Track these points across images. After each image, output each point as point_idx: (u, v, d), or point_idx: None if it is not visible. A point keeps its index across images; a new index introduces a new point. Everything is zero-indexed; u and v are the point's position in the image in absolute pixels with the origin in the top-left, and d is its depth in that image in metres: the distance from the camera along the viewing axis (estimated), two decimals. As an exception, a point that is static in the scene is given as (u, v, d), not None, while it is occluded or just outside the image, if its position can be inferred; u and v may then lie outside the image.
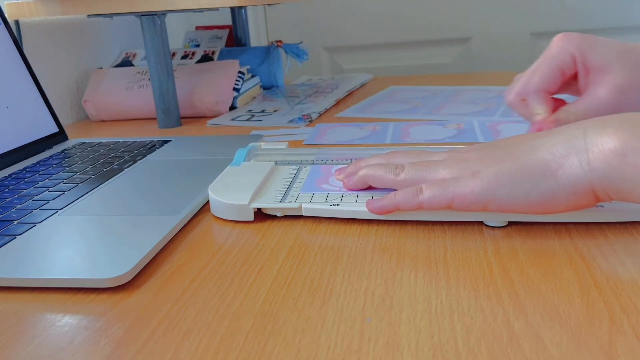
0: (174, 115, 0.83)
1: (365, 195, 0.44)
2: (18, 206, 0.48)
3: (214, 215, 0.47)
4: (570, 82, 0.51)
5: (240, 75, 0.93)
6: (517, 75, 0.54)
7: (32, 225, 0.44)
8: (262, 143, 0.59)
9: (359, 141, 0.63)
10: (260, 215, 0.46)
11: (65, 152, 0.66)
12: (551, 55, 0.50)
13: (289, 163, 0.53)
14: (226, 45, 1.17)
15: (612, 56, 0.48)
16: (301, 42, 1.12)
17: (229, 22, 1.23)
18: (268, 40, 1.57)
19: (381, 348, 0.28)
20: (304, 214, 0.44)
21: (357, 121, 0.77)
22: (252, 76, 1.01)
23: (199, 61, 1.00)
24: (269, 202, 0.45)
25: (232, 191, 0.46)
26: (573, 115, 0.48)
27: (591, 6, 1.42)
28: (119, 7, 0.76)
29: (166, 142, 0.69)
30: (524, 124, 0.56)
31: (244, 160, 0.53)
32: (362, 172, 0.45)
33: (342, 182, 0.46)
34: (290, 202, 0.45)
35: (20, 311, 0.34)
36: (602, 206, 0.39)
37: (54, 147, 0.69)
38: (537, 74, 0.50)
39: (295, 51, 1.09)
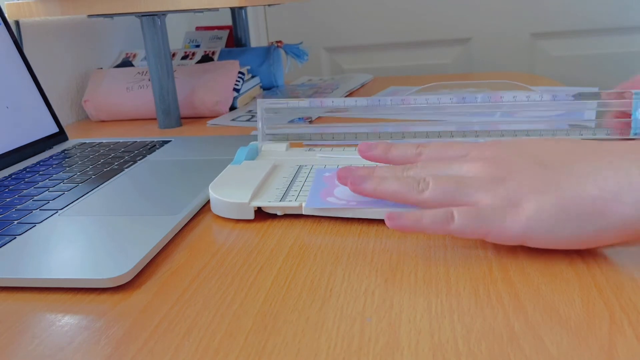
0: (174, 115, 0.83)
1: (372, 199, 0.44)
2: (18, 206, 0.48)
3: (214, 215, 0.47)
4: None
5: (240, 75, 0.93)
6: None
7: (32, 225, 0.44)
8: (263, 143, 0.59)
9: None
10: (261, 214, 0.46)
11: (65, 152, 0.67)
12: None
13: (289, 162, 0.54)
14: (226, 46, 1.17)
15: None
16: (301, 43, 1.12)
17: (229, 22, 1.23)
18: (268, 40, 1.57)
19: (381, 348, 0.28)
20: (304, 213, 0.44)
21: (358, 121, 0.76)
22: (252, 76, 1.01)
23: (199, 61, 1.00)
24: (269, 201, 0.45)
25: (233, 190, 0.46)
26: None
27: (591, 6, 1.42)
28: (119, 7, 0.76)
29: (166, 142, 0.69)
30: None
31: (245, 159, 0.54)
32: (375, 187, 0.40)
33: (349, 189, 0.41)
34: (290, 200, 0.45)
35: (20, 311, 0.34)
36: None
37: (54, 147, 0.69)
38: None
39: (296, 51, 1.09)
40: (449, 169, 0.39)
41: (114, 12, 0.77)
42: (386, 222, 0.37)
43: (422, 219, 0.36)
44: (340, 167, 0.52)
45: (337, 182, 0.47)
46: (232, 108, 0.92)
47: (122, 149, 0.66)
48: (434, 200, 0.37)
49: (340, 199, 0.44)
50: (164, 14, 0.79)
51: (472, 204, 0.36)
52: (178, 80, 0.87)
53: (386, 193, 0.39)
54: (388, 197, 0.39)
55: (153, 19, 0.79)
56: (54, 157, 0.64)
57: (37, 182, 0.55)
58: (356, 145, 0.59)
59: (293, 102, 0.58)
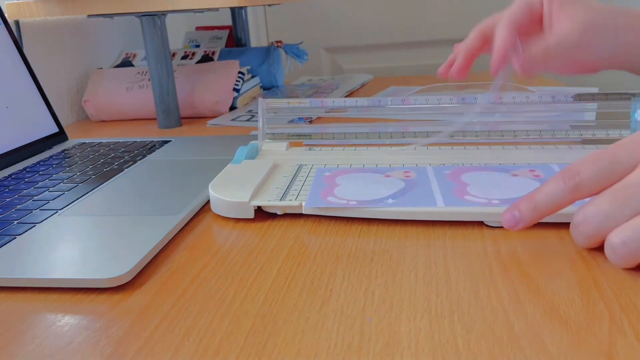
0: (174, 115, 0.83)
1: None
2: (18, 206, 0.48)
3: (214, 215, 0.47)
4: (536, 27, 0.51)
5: (240, 75, 0.93)
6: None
7: (32, 225, 0.44)
8: (263, 142, 0.59)
9: (394, 201, 0.43)
10: (261, 213, 0.46)
11: (65, 152, 0.66)
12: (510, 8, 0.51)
13: (289, 162, 0.54)
14: (226, 46, 1.17)
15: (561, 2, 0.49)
16: (301, 43, 1.12)
17: (229, 22, 1.23)
18: (268, 40, 1.57)
19: (381, 348, 0.28)
20: (304, 212, 0.44)
21: (358, 121, 0.76)
22: (252, 76, 1.01)
23: (199, 61, 1.00)
24: (269, 200, 0.45)
25: (233, 189, 0.46)
26: (539, 51, 0.49)
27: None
28: (119, 7, 0.76)
29: (166, 142, 0.69)
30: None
31: (245, 158, 0.54)
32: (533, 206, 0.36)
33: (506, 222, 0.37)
34: (290, 200, 0.45)
35: (20, 311, 0.34)
36: None
37: (54, 147, 0.69)
38: (507, 11, 0.51)
39: (295, 51, 1.09)
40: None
41: (114, 12, 0.77)
42: (506, 226, 0.37)
43: (535, 196, 0.35)
44: (339, 166, 0.52)
45: (337, 181, 0.47)
46: (232, 108, 0.92)
47: (122, 149, 0.66)
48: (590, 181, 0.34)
49: (340, 198, 0.44)
50: (164, 14, 0.79)
51: None
52: (178, 80, 0.87)
53: (543, 202, 0.36)
54: (548, 205, 0.36)
55: (153, 19, 0.78)
56: (54, 157, 0.64)
57: (37, 182, 0.55)
58: (356, 145, 0.59)
59: (294, 102, 0.58)
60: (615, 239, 0.32)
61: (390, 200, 0.43)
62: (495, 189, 0.41)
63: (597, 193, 0.34)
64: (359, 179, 0.48)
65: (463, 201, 0.42)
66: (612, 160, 0.34)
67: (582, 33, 0.48)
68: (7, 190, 0.53)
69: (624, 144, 0.34)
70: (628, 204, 0.32)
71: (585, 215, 0.34)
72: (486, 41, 0.54)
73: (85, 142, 0.71)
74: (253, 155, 0.56)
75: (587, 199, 0.35)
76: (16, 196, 0.51)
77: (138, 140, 0.70)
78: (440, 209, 0.41)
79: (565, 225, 0.40)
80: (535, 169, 0.47)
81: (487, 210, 0.41)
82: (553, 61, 0.50)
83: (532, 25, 0.51)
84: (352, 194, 0.45)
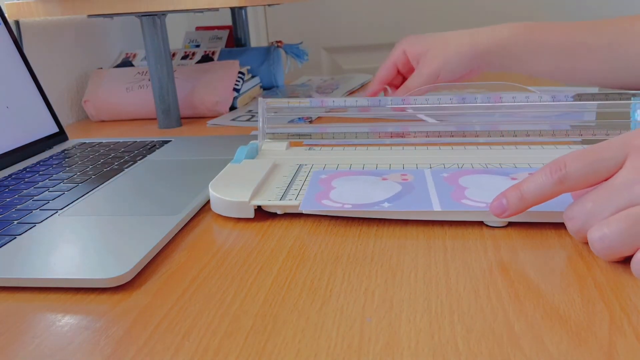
0: (174, 115, 0.83)
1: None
2: (18, 206, 0.48)
3: (214, 215, 0.47)
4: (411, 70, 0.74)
5: (240, 75, 0.93)
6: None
7: (32, 225, 0.44)
8: (263, 142, 0.59)
9: (390, 205, 0.43)
10: (261, 213, 0.46)
11: (65, 152, 0.67)
12: (391, 54, 0.75)
13: (289, 161, 0.54)
14: (226, 46, 1.17)
15: (428, 46, 0.71)
16: (301, 43, 1.12)
17: (229, 22, 1.23)
18: (268, 40, 1.57)
19: (381, 348, 0.28)
20: (299, 209, 0.44)
21: (358, 121, 0.76)
22: (252, 76, 1.01)
23: (199, 61, 1.00)
24: (269, 200, 0.45)
25: (233, 188, 0.46)
26: (407, 88, 0.72)
27: (591, 7, 1.42)
28: (119, 7, 0.76)
29: (166, 142, 0.69)
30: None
31: (245, 158, 0.54)
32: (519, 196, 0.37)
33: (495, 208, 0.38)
34: (290, 199, 0.45)
35: (20, 311, 0.34)
36: None
37: (54, 147, 0.69)
38: (380, 69, 0.76)
39: (295, 52, 1.09)
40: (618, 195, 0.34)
41: (114, 12, 0.77)
42: (493, 213, 0.38)
43: (522, 186, 0.37)
44: (338, 168, 0.52)
45: (333, 184, 0.47)
46: (232, 108, 0.92)
47: (122, 149, 0.66)
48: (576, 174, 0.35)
49: (335, 201, 0.43)
50: (164, 14, 0.79)
51: None
52: (178, 80, 0.87)
53: (530, 192, 0.37)
54: (534, 195, 0.37)
55: (153, 19, 0.78)
56: (54, 157, 0.64)
57: (37, 182, 0.55)
58: (356, 145, 0.59)
59: (294, 102, 0.58)
60: (593, 235, 0.34)
61: (386, 204, 0.42)
62: (493, 193, 0.41)
63: (583, 187, 0.36)
64: (355, 182, 0.47)
65: (460, 204, 0.42)
66: (598, 157, 0.35)
67: (437, 71, 0.71)
68: (7, 190, 0.53)
69: (611, 142, 0.36)
70: (610, 202, 0.34)
71: (572, 212, 0.36)
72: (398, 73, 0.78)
73: (85, 142, 0.71)
74: (253, 155, 0.56)
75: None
76: (16, 196, 0.51)
77: (138, 140, 0.70)
78: (436, 211, 0.41)
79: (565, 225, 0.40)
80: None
81: (484, 212, 0.41)
82: (412, 88, 0.72)
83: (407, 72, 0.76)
84: (348, 197, 0.44)
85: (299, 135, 0.59)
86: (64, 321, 0.32)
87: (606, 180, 0.35)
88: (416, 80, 0.71)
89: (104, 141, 0.71)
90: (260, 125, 0.59)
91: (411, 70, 0.74)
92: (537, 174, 0.36)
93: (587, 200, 0.35)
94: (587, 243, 0.36)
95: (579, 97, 0.54)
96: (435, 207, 0.41)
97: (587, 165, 0.35)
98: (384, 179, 0.48)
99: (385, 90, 0.78)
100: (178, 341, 0.30)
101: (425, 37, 0.73)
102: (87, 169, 0.59)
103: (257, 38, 1.55)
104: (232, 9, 1.17)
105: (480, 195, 0.43)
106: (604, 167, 0.35)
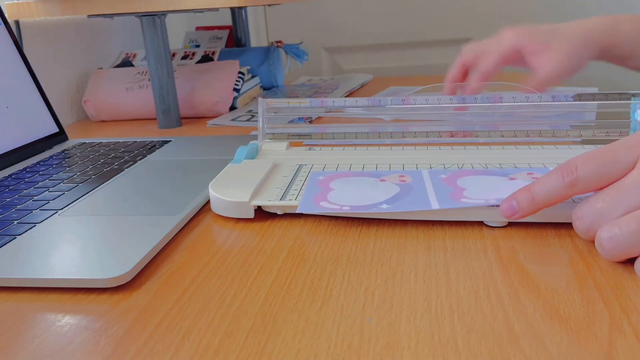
0: (174, 115, 0.83)
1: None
2: (18, 206, 0.48)
3: (214, 215, 0.47)
4: (518, 61, 0.67)
5: (240, 75, 0.93)
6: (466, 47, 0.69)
7: (32, 225, 0.44)
8: (263, 142, 0.59)
9: (389, 206, 0.42)
10: (261, 213, 0.46)
11: (66, 152, 0.67)
12: (500, 45, 0.66)
13: (289, 162, 0.54)
14: (226, 46, 1.17)
15: (551, 36, 0.65)
16: (301, 43, 1.12)
17: (229, 22, 1.23)
18: (268, 40, 1.57)
19: (381, 348, 0.28)
20: (297, 211, 0.44)
21: (358, 121, 0.76)
22: (252, 76, 1.01)
23: (199, 61, 1.00)
24: (269, 200, 0.45)
25: (233, 188, 0.46)
26: (536, 81, 0.64)
27: (590, 7, 1.42)
28: (119, 7, 0.76)
29: (166, 142, 0.69)
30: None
31: (245, 158, 0.54)
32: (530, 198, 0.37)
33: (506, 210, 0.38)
34: (290, 200, 0.45)
35: (20, 311, 0.34)
36: None
37: (54, 147, 0.69)
38: (488, 60, 0.66)
39: (295, 52, 1.09)
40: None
41: (114, 12, 0.77)
42: (503, 214, 0.38)
43: (534, 188, 0.37)
44: (339, 167, 0.52)
45: (331, 185, 0.47)
46: (232, 108, 0.92)
47: (122, 149, 0.66)
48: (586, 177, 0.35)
49: (333, 203, 0.43)
50: (164, 14, 0.79)
51: None
52: (178, 80, 0.87)
53: (540, 195, 0.37)
54: (545, 198, 0.37)
55: (153, 19, 0.79)
56: (54, 157, 0.64)
57: (37, 182, 0.55)
58: (356, 145, 0.59)
59: (294, 102, 0.58)
60: (603, 234, 0.33)
61: (384, 206, 0.42)
62: (491, 192, 0.41)
63: (594, 190, 0.36)
64: (354, 184, 0.47)
65: (459, 202, 0.41)
66: (610, 159, 0.35)
67: (568, 60, 0.64)
68: (7, 190, 0.53)
69: (623, 143, 0.35)
70: (620, 203, 0.34)
71: (581, 211, 0.36)
72: (465, 73, 0.70)
73: (85, 142, 0.71)
74: (253, 155, 0.56)
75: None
76: (16, 196, 0.51)
77: (138, 140, 0.70)
78: (435, 210, 0.41)
79: (565, 225, 0.40)
80: (533, 172, 0.46)
81: (483, 209, 0.41)
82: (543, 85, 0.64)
83: (512, 63, 0.67)
84: (346, 199, 0.44)
85: (299, 135, 0.59)
86: (64, 321, 0.32)
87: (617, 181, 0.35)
88: (543, 72, 0.65)
89: (104, 141, 0.71)
90: (260, 125, 0.59)
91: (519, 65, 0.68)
92: (548, 176, 0.36)
93: (597, 199, 0.35)
94: (593, 242, 0.36)
95: (579, 97, 0.54)
96: (434, 206, 0.41)
97: (599, 168, 0.35)
98: (382, 181, 0.47)
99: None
100: (178, 341, 0.30)
101: (538, 30, 0.67)
102: (87, 169, 0.59)
103: (257, 38, 1.55)
104: (232, 9, 1.17)
105: (478, 194, 0.43)
106: (615, 169, 0.35)
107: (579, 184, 0.35)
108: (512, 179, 0.45)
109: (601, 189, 0.35)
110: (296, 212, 0.43)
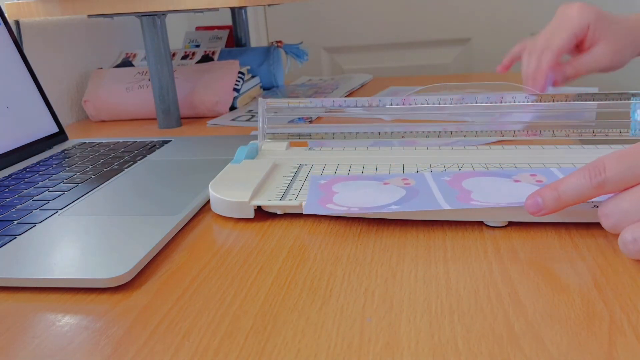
0: (174, 115, 0.83)
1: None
2: (18, 206, 0.48)
3: (214, 215, 0.47)
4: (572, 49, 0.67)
5: (240, 75, 0.93)
6: (525, 40, 0.69)
7: (32, 225, 0.44)
8: (263, 142, 0.59)
9: (397, 207, 0.42)
10: (261, 213, 0.46)
11: (65, 152, 0.67)
12: (570, 22, 0.65)
13: (289, 162, 0.54)
14: (226, 46, 1.17)
15: (610, 25, 0.65)
16: (301, 43, 1.12)
17: (229, 22, 1.23)
18: (268, 40, 1.57)
19: (381, 348, 0.28)
20: (304, 212, 0.44)
21: (358, 121, 0.76)
22: (252, 76, 1.01)
23: (199, 61, 1.00)
24: (269, 200, 0.45)
25: (233, 188, 0.46)
26: (574, 69, 0.66)
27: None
28: (119, 7, 0.76)
29: (166, 142, 0.69)
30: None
31: (245, 158, 0.54)
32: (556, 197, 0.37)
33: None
34: (290, 200, 0.45)
35: (20, 311, 0.34)
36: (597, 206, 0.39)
37: (54, 147, 0.69)
38: (557, 37, 0.65)
39: (295, 51, 1.09)
40: None
41: (114, 12, 0.77)
42: (528, 210, 0.38)
43: (559, 187, 0.36)
44: (338, 170, 0.52)
45: (334, 189, 0.46)
46: (232, 108, 0.92)
47: (122, 149, 0.66)
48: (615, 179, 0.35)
49: (340, 205, 0.43)
50: (164, 14, 0.79)
51: None
52: (178, 80, 0.87)
53: (567, 194, 0.37)
54: (571, 196, 0.37)
55: (153, 19, 0.79)
56: (54, 157, 0.64)
57: (37, 182, 0.55)
58: (355, 145, 0.59)
59: (294, 102, 0.58)
60: (627, 236, 0.33)
61: (394, 207, 0.42)
62: (498, 195, 0.41)
63: (621, 190, 0.35)
64: (358, 187, 0.46)
65: (469, 204, 0.41)
66: (638, 160, 0.35)
67: (612, 56, 0.65)
68: (7, 190, 0.53)
69: None
70: None
71: (607, 208, 0.35)
72: (514, 59, 0.72)
73: (85, 142, 0.71)
74: (253, 155, 0.56)
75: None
76: (16, 196, 0.51)
77: (138, 140, 0.70)
78: (447, 209, 0.40)
79: (565, 225, 0.40)
80: (536, 174, 0.46)
81: (494, 209, 0.40)
82: (583, 72, 0.66)
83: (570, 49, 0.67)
84: (353, 201, 0.43)
85: (299, 135, 0.59)
86: (64, 321, 0.32)
87: None
88: (589, 59, 0.65)
89: (104, 141, 0.71)
90: (260, 125, 0.59)
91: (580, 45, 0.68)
92: (576, 175, 0.36)
93: (623, 199, 0.35)
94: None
95: (579, 97, 0.54)
96: (444, 207, 0.41)
97: (627, 169, 0.34)
98: (385, 184, 0.47)
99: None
100: (178, 341, 0.30)
101: (605, 15, 0.66)
102: (87, 169, 0.59)
103: (257, 38, 1.55)
104: (232, 9, 1.17)
105: (487, 197, 0.42)
106: None
107: (607, 185, 0.35)
108: (516, 181, 0.45)
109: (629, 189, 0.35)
110: (303, 212, 0.43)
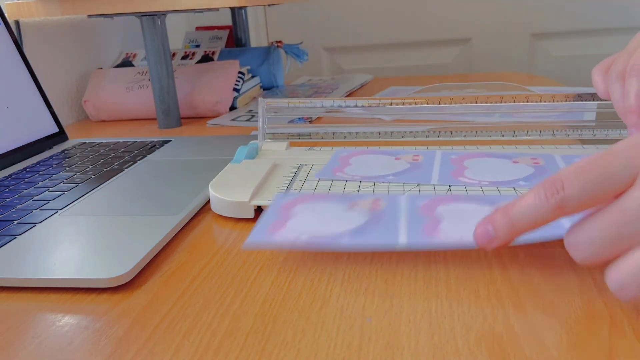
0: (174, 115, 0.83)
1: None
2: (18, 206, 0.48)
3: (214, 215, 0.47)
4: None
5: (240, 75, 0.93)
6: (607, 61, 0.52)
7: (32, 225, 0.44)
8: (263, 142, 0.59)
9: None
10: (261, 213, 0.46)
11: (65, 152, 0.67)
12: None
13: (289, 162, 0.54)
14: (226, 46, 1.17)
15: None
16: (301, 43, 1.12)
17: (229, 22, 1.23)
18: (268, 40, 1.57)
19: (381, 348, 0.28)
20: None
21: (358, 121, 0.76)
22: (252, 76, 1.01)
23: (199, 61, 1.00)
24: (269, 200, 0.45)
25: (233, 188, 0.46)
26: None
27: (591, 6, 1.42)
28: (119, 7, 0.76)
29: (166, 142, 0.69)
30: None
31: (245, 158, 0.54)
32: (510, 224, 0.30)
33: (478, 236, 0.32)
34: (290, 202, 0.45)
35: (20, 311, 0.34)
36: None
37: (54, 147, 0.69)
38: None
39: (295, 52, 1.09)
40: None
41: (114, 12, 0.77)
42: (478, 243, 0.32)
43: (513, 209, 0.30)
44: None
45: (294, 211, 0.40)
46: (232, 108, 0.92)
47: (122, 149, 0.66)
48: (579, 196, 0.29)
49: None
50: (164, 14, 0.79)
51: None
52: (178, 80, 0.87)
53: (521, 220, 0.30)
54: (527, 223, 0.30)
55: (153, 19, 0.79)
56: (54, 157, 0.64)
57: (37, 182, 0.55)
58: (356, 144, 0.59)
59: (294, 102, 0.58)
60: (613, 283, 0.28)
61: (345, 240, 0.36)
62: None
63: (586, 209, 0.29)
64: (319, 211, 0.40)
65: (428, 241, 0.35)
66: (602, 174, 0.28)
67: None
68: (7, 190, 0.53)
69: (617, 150, 0.29)
70: (622, 232, 0.28)
71: (576, 239, 0.29)
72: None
73: (85, 142, 0.71)
74: (253, 155, 0.56)
75: None
76: (16, 196, 0.51)
77: (138, 140, 0.70)
78: (401, 245, 0.35)
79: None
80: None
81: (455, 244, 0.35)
82: None
83: None
84: (307, 227, 0.38)
85: (299, 135, 0.59)
86: (64, 321, 0.32)
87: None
88: None
89: (104, 141, 0.71)
90: (260, 125, 0.59)
91: None
92: (530, 195, 0.30)
93: (593, 227, 0.29)
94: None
95: (579, 97, 0.54)
96: (400, 244, 0.35)
97: (590, 185, 0.28)
98: (353, 205, 0.41)
99: None
100: (178, 341, 0.30)
101: None
102: (87, 169, 0.59)
103: (257, 38, 1.55)
104: (232, 9, 1.17)
105: (455, 230, 0.36)
106: (609, 186, 0.28)
107: (567, 205, 0.29)
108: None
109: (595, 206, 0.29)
110: (243, 246, 0.39)
